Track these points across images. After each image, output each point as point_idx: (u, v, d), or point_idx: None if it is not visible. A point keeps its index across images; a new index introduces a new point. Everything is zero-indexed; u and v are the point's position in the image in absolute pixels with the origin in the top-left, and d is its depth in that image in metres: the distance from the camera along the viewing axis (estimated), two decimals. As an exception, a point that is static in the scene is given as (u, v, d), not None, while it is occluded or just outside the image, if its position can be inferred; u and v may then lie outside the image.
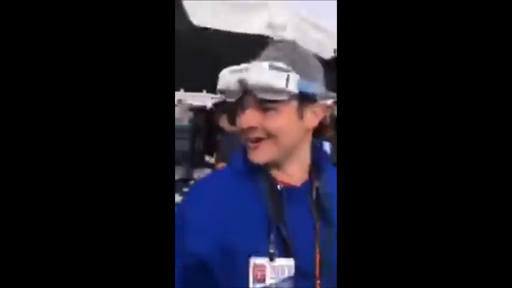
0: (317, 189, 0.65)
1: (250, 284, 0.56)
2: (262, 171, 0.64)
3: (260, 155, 0.61)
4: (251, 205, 0.62)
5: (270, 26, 1.96)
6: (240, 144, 0.67)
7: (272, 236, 0.58)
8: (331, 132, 2.86)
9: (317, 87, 0.62)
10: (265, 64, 0.56)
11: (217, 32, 1.82)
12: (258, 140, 0.61)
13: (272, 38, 2.00)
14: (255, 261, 0.57)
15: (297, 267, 0.58)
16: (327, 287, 0.60)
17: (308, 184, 0.66)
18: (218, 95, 0.72)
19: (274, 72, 0.56)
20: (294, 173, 0.66)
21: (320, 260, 0.60)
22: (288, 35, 2.00)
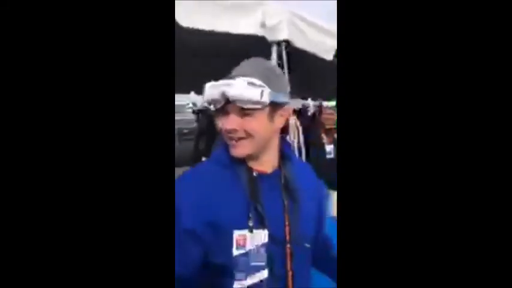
0: (284, 174, 0.84)
1: (234, 250, 0.74)
2: (241, 162, 0.80)
3: (240, 151, 0.78)
4: (233, 189, 0.78)
5: (264, 26, 1.96)
6: (223, 141, 0.82)
7: (250, 213, 0.75)
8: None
9: (284, 96, 0.79)
10: (244, 81, 0.71)
11: (211, 33, 1.82)
12: (239, 139, 0.76)
13: (266, 39, 2.00)
14: (238, 233, 0.74)
15: (270, 236, 0.77)
16: (295, 251, 0.80)
17: (278, 171, 0.85)
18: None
19: (251, 88, 0.71)
20: (267, 162, 0.83)
21: (289, 230, 0.80)
22: (284, 35, 2.00)
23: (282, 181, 0.84)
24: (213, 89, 0.74)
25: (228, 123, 0.75)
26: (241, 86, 0.71)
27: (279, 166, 0.86)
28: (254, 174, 0.81)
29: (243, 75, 0.73)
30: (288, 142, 0.96)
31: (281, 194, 0.83)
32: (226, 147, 0.81)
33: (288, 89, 0.84)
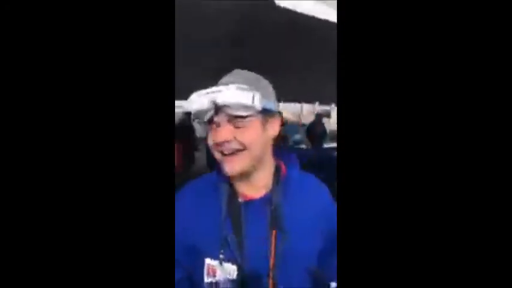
0: (275, 199, 0.74)
1: (205, 277, 0.72)
2: (227, 185, 0.75)
3: (234, 166, 0.70)
4: (213, 215, 0.73)
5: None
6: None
7: (222, 245, 0.71)
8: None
9: (273, 104, 0.74)
10: (232, 86, 0.66)
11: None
12: (232, 153, 0.69)
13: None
14: (208, 261, 0.72)
15: (245, 270, 0.70)
16: (282, 286, 0.71)
17: (269, 194, 0.75)
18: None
19: (241, 92, 0.66)
20: (259, 182, 0.75)
21: (274, 263, 0.71)
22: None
23: (272, 208, 0.73)
24: (201, 98, 0.67)
25: (220, 135, 0.67)
26: (231, 91, 0.65)
27: (272, 187, 0.76)
28: (240, 200, 0.74)
29: (231, 83, 0.68)
30: (288, 154, 0.84)
31: (267, 223, 0.72)
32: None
33: (274, 98, 0.77)
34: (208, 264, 0.72)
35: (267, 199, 0.74)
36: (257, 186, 0.75)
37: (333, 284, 0.72)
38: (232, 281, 0.70)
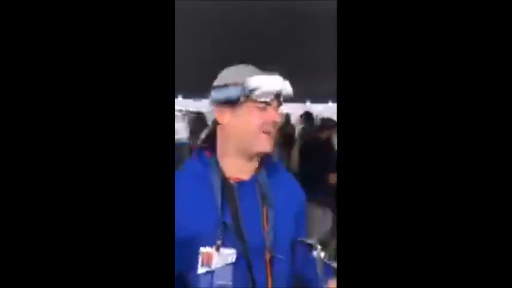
0: (261, 180, 0.78)
1: (199, 268, 0.69)
2: (216, 170, 0.75)
3: (271, 145, 0.75)
4: (204, 202, 0.73)
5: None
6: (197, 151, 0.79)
7: (220, 230, 0.70)
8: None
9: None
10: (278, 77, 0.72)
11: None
12: (271, 132, 0.73)
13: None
14: (203, 250, 0.69)
15: (248, 246, 0.72)
16: (275, 258, 0.74)
17: (255, 176, 0.79)
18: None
19: (270, 78, 0.70)
20: (248, 167, 0.78)
21: (268, 236, 0.74)
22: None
23: (259, 188, 0.78)
24: (260, 79, 0.70)
25: (272, 114, 0.72)
26: (261, 78, 0.70)
27: (257, 170, 0.80)
28: (232, 183, 0.75)
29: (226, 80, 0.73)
30: None
31: (258, 201, 0.77)
32: (200, 157, 0.78)
33: None
34: (204, 253, 0.69)
35: (254, 180, 0.78)
36: (246, 170, 0.78)
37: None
38: (230, 265, 0.70)
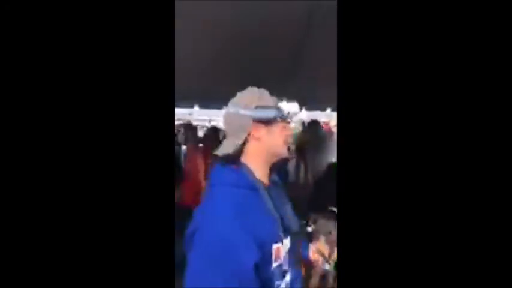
0: (277, 182, 0.98)
1: (273, 263, 0.79)
2: (256, 179, 0.87)
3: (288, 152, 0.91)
4: (262, 207, 0.83)
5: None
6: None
7: (278, 226, 0.83)
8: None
9: None
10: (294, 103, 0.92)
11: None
12: None
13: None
14: (275, 246, 0.80)
15: (295, 233, 0.91)
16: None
17: (272, 179, 0.95)
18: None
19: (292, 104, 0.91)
20: (267, 171, 0.93)
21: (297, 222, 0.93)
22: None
23: (277, 188, 0.95)
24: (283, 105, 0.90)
25: (290, 129, 0.91)
26: (290, 104, 0.90)
27: (270, 175, 0.94)
28: (265, 187, 0.88)
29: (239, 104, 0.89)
30: None
31: (284, 197, 0.95)
32: (239, 170, 0.86)
33: None
34: (275, 248, 0.80)
35: (272, 182, 0.94)
36: (266, 175, 0.92)
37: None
38: (287, 253, 0.85)
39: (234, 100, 0.90)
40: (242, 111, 0.86)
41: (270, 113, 0.87)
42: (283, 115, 0.89)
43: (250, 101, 0.88)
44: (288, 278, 0.85)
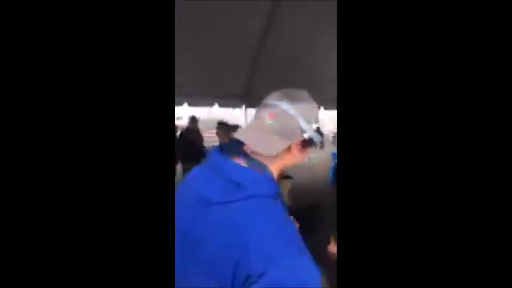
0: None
1: None
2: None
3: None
4: (286, 215, 0.74)
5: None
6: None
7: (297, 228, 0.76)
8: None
9: None
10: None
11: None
12: None
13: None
14: None
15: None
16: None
17: None
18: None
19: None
20: None
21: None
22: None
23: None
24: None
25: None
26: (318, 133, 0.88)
27: None
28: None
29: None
30: None
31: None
32: (269, 179, 0.75)
33: None
34: None
35: None
36: None
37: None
38: None
39: (289, 98, 0.75)
40: (302, 123, 0.73)
41: (317, 139, 0.78)
42: (320, 142, 0.85)
43: (311, 115, 0.76)
44: None
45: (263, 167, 0.74)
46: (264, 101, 0.78)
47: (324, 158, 7.80)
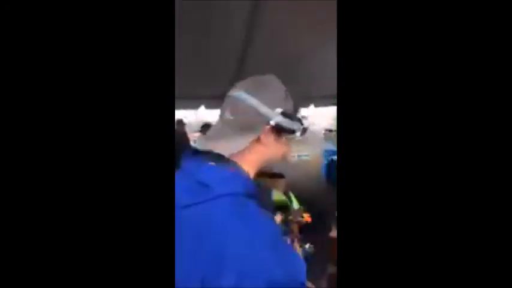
0: None
1: None
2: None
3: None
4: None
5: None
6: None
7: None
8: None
9: None
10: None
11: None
12: None
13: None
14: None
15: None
16: None
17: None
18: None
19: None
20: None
21: None
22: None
23: None
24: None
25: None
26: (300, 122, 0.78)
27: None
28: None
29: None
30: None
31: None
32: (239, 176, 0.70)
33: None
34: None
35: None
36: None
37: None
38: None
39: (250, 87, 0.71)
40: (264, 110, 0.68)
41: (294, 126, 0.72)
42: (303, 130, 0.74)
43: (276, 101, 0.71)
44: None
45: (233, 165, 0.70)
46: (227, 94, 0.74)
47: (316, 155, 7.85)
